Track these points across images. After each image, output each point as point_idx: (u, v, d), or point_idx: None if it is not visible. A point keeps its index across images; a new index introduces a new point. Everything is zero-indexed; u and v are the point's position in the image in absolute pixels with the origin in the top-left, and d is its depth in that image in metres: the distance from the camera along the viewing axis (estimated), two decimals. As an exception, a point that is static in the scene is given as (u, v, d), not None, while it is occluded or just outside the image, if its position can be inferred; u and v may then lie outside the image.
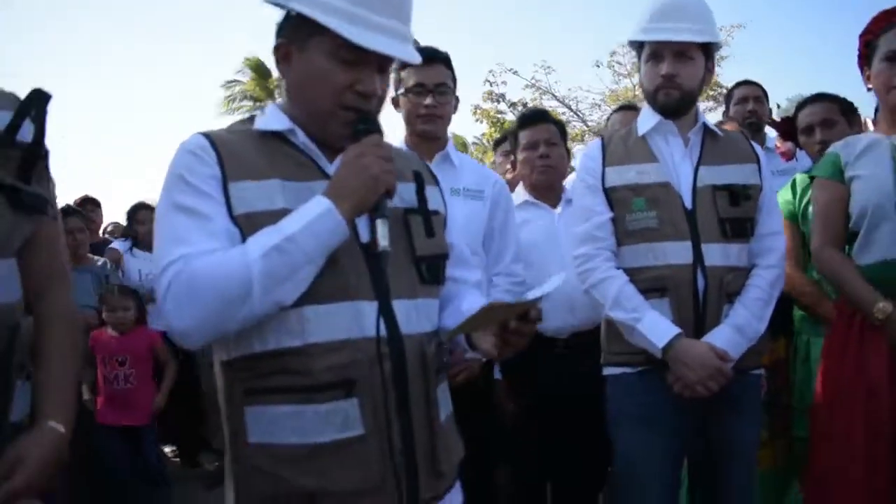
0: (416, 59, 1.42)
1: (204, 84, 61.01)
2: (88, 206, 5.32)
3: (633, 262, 2.26)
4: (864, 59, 2.36)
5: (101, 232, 5.98)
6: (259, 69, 26.56)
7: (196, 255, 1.25)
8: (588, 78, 42.01)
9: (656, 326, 2.17)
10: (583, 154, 2.50)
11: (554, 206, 3.06)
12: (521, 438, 2.94)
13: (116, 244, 5.16)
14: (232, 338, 1.33)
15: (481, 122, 17.86)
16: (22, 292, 1.37)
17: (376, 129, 1.39)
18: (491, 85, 17.97)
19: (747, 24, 17.83)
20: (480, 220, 2.63)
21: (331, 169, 1.41)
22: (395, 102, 2.66)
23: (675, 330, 2.16)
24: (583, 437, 2.83)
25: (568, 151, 3.25)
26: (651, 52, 2.29)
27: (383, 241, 1.31)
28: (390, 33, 1.35)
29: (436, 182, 1.62)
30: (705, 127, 2.35)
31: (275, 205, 1.32)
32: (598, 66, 18.75)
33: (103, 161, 39.90)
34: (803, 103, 3.13)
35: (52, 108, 1.41)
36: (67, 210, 4.60)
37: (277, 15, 1.42)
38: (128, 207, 5.25)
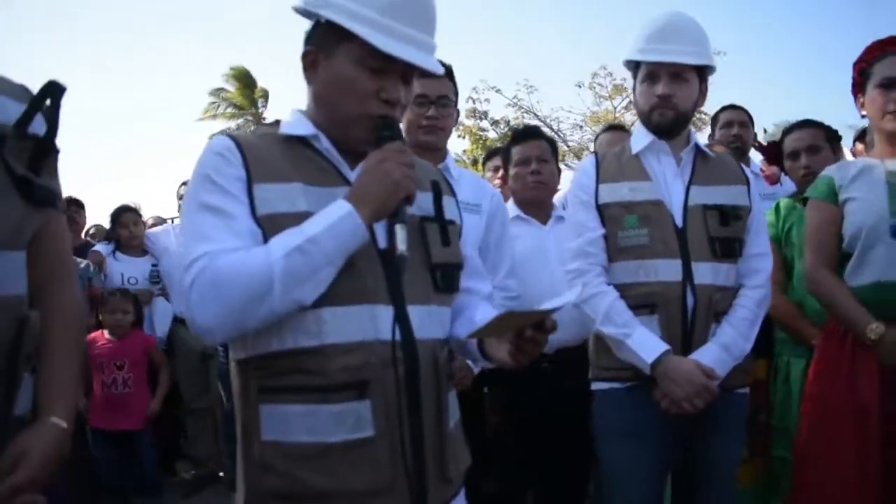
0: (439, 69, 1.46)
1: (186, 92, 60.73)
2: (72, 208, 5.26)
3: (624, 279, 2.29)
4: (858, 87, 2.42)
5: (82, 234, 5.91)
6: (244, 78, 26.54)
7: (220, 253, 1.28)
8: (570, 98, 42.38)
9: (645, 342, 2.20)
10: (577, 170, 2.53)
11: (544, 222, 3.09)
12: (502, 452, 2.96)
13: (99, 247, 5.11)
14: (250, 336, 1.35)
15: (464, 137, 17.97)
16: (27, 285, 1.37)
17: (398, 136, 1.43)
18: (474, 102, 18.08)
19: (728, 52, 18.12)
20: (477, 233, 2.63)
21: (352, 175, 1.44)
22: None
23: (664, 346, 2.19)
24: (566, 452, 2.85)
25: (559, 169, 3.29)
26: (647, 72, 2.32)
27: (402, 245, 1.33)
28: (416, 44, 1.39)
29: (452, 193, 1.66)
30: (697, 147, 2.39)
31: (297, 207, 1.35)
32: (580, 86, 18.98)
33: (83, 165, 39.49)
34: (790, 129, 3.19)
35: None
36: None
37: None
38: (106, 211, 5.23)
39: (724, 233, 2.27)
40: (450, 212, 1.58)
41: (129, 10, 57.46)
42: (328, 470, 1.33)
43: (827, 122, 3.17)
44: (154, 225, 5.95)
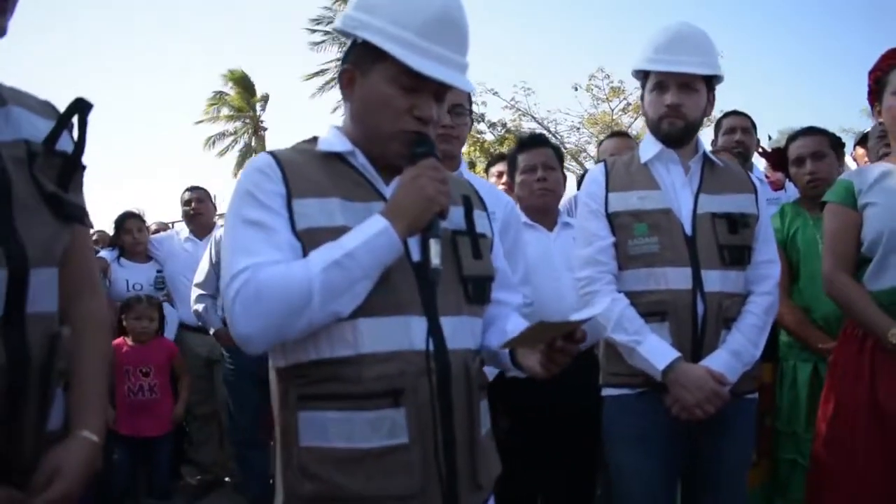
0: (471, 88, 1.51)
1: (186, 93, 60.78)
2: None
3: (634, 286, 2.32)
4: (874, 95, 2.42)
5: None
6: (242, 82, 26.55)
7: (262, 266, 1.33)
8: (567, 100, 42.42)
9: (656, 349, 2.22)
10: (586, 179, 2.55)
11: (550, 228, 3.11)
12: (512, 455, 2.97)
13: (104, 253, 5.11)
14: (289, 346, 1.41)
15: (462, 140, 17.86)
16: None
17: (432, 153, 1.46)
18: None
19: (725, 53, 18.13)
20: None
21: (386, 191, 1.48)
22: None
23: (675, 353, 2.21)
24: (573, 456, 2.87)
25: (564, 176, 3.31)
26: (656, 82, 2.34)
27: (436, 259, 1.37)
28: (449, 63, 1.43)
29: (484, 207, 1.69)
30: (705, 156, 2.41)
31: (334, 222, 1.40)
32: (577, 89, 19.00)
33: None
34: (795, 135, 3.22)
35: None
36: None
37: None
38: (106, 214, 5.24)
39: (733, 240, 2.29)
40: (481, 225, 1.62)
41: (129, 11, 57.38)
42: (364, 475, 1.37)
43: (822, 125, 3.23)
44: (158, 231, 5.95)
